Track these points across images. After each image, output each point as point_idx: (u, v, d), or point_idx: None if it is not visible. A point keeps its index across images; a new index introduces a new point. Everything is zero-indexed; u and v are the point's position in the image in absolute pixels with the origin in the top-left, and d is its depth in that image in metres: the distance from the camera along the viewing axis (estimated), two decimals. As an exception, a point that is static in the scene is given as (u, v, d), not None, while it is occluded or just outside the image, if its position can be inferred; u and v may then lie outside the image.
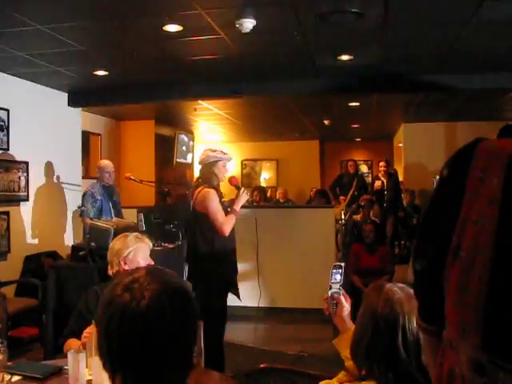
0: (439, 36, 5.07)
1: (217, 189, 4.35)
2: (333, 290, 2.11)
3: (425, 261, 0.71)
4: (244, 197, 4.35)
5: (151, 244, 3.15)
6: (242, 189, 4.42)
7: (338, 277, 2.14)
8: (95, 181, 6.16)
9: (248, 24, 4.53)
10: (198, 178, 4.62)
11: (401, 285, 1.80)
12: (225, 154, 4.45)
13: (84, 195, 6.08)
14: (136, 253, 2.96)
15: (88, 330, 2.52)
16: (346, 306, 2.11)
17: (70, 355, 2.27)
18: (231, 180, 4.49)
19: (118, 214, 5.85)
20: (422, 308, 0.74)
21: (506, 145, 0.68)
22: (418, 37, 5.09)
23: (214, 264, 4.26)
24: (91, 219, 5.60)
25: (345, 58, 5.78)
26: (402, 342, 1.62)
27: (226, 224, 4.23)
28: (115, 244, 3.02)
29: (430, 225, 0.73)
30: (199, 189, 4.42)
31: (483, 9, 4.20)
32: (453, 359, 0.66)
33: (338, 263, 2.25)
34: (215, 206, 4.23)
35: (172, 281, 1.29)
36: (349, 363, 1.89)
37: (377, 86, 6.75)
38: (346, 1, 4.24)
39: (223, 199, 4.46)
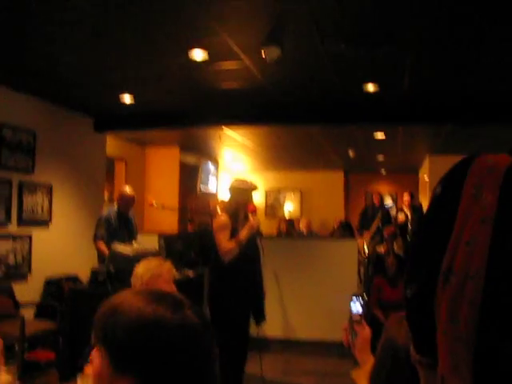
0: (467, 67, 5.03)
1: (236, 217, 4.33)
2: (352, 320, 2.02)
3: (416, 286, 0.65)
4: (251, 227, 4.31)
5: (174, 270, 3.14)
6: (251, 218, 4.39)
7: (358, 306, 2.06)
8: (113, 205, 6.16)
9: (274, 54, 4.54)
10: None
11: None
12: (250, 183, 4.45)
13: (99, 219, 6.06)
14: (158, 277, 2.94)
15: None
16: (366, 335, 2.02)
17: (79, 380, 2.23)
18: (249, 207, 4.45)
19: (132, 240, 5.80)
20: (414, 338, 0.67)
21: (503, 160, 0.61)
22: (446, 67, 5.06)
23: (230, 289, 4.21)
24: (106, 243, 5.62)
25: (371, 88, 5.76)
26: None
27: (226, 252, 4.24)
28: (139, 268, 3.02)
29: (421, 247, 0.67)
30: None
31: None
32: None
33: (358, 293, 2.17)
34: (219, 234, 4.28)
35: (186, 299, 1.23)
36: (367, 398, 1.80)
37: (403, 117, 6.69)
38: (372, 30, 4.23)
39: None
